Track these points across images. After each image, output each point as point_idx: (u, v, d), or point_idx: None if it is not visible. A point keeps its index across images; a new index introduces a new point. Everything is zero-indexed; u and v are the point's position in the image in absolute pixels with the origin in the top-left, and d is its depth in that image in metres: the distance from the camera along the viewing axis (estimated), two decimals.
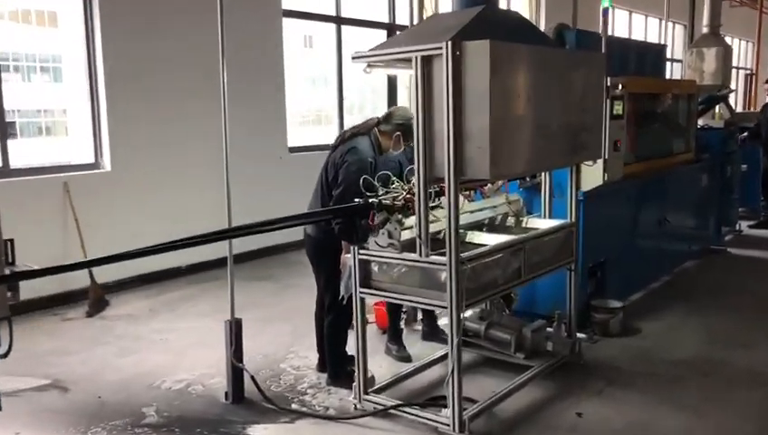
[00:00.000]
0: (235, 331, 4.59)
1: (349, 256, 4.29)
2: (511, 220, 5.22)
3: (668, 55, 10.84)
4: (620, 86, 5.51)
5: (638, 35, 17.98)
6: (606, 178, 5.50)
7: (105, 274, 7.08)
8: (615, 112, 5.50)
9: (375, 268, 4.17)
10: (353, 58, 4.07)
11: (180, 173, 8.09)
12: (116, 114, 7.50)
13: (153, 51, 7.72)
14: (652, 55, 7.71)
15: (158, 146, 7.87)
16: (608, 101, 5.40)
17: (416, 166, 3.78)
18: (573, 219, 5.01)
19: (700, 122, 9.15)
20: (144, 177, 7.77)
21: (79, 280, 6.82)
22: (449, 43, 3.55)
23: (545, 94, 4.04)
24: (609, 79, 5.39)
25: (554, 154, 4.24)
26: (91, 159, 7.58)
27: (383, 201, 4.02)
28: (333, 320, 4.82)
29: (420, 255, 3.89)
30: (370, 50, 3.97)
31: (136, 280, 7.62)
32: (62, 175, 7.20)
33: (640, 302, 6.78)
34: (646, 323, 6.11)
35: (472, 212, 4.98)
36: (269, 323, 6.33)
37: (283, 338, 5.93)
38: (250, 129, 8.07)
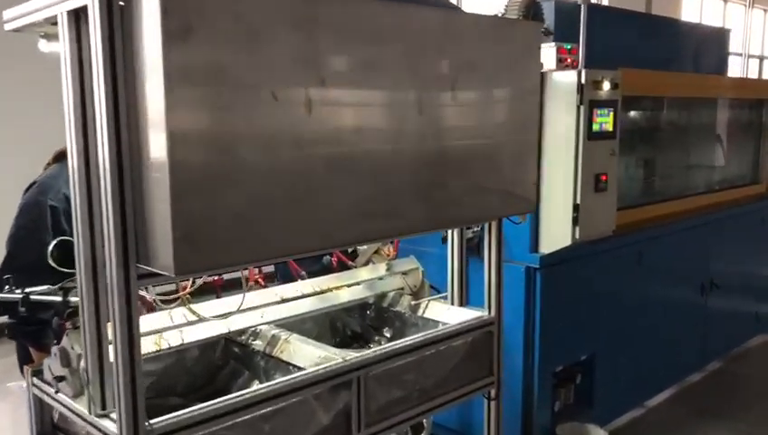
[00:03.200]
0: None
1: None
2: (404, 304, 3.20)
3: (750, 51, 8.23)
4: (607, 84, 3.36)
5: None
6: (578, 235, 3.37)
7: None
8: (596, 128, 3.36)
9: (56, 415, 2.30)
10: None
11: None
12: None
13: None
14: (705, 43, 5.35)
15: None
16: (580, 108, 3.28)
17: (75, 235, 1.88)
18: (493, 313, 2.91)
19: None
20: None
21: None
22: None
23: (355, 92, 2.03)
24: (584, 72, 3.27)
25: (388, 213, 2.17)
26: None
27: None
28: None
29: (89, 410, 1.98)
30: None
31: None
32: None
33: (656, 416, 4.53)
34: None
35: (323, 292, 2.99)
36: None
37: None
38: None
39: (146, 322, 2.34)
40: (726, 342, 5.31)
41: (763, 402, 4.70)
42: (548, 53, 3.50)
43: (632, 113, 4.18)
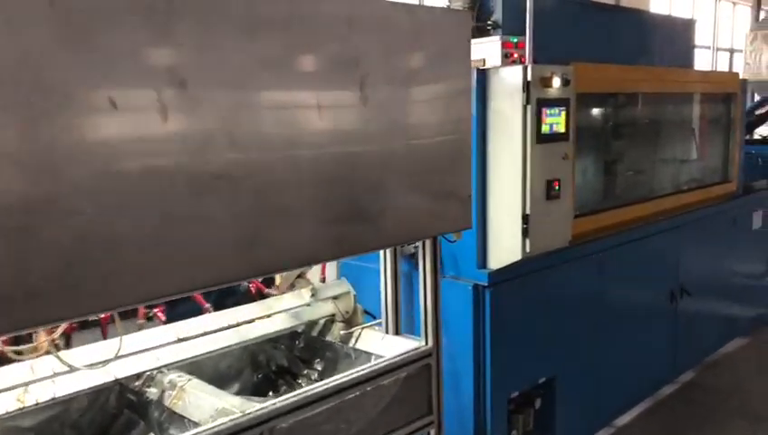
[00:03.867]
0: None
1: None
2: (336, 333, 2.83)
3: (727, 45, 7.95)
4: (558, 81, 3.03)
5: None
6: (528, 248, 3.03)
7: None
8: (546, 130, 3.02)
9: None
10: None
11: None
12: None
13: None
14: (671, 35, 5.06)
15: None
16: (527, 108, 2.94)
17: None
18: (430, 342, 2.56)
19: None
20: None
21: None
22: None
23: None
24: (530, 68, 2.93)
25: (281, 242, 1.79)
26: None
27: None
28: None
29: None
30: None
31: None
32: None
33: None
34: None
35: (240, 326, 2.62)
36: None
37: None
38: None
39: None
40: (699, 350, 5.02)
41: (735, 417, 4.41)
42: (492, 48, 3.17)
43: (590, 111, 3.85)
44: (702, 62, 14.48)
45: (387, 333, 2.71)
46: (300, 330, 2.88)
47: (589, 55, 3.57)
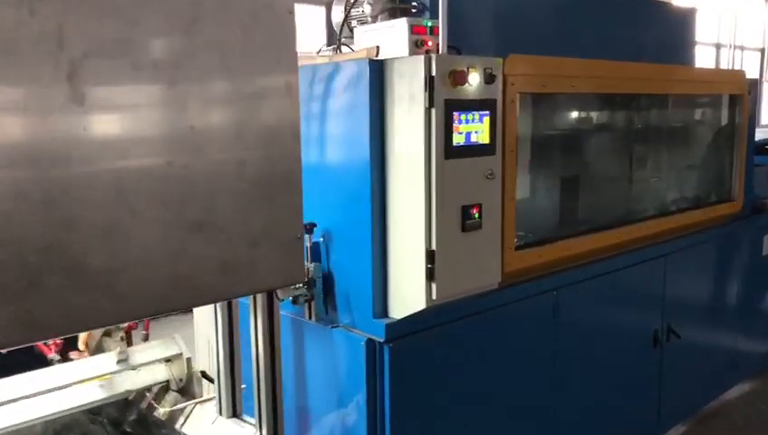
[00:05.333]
0: None
1: None
2: (167, 407, 2.16)
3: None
4: (477, 77, 2.31)
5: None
6: (435, 295, 2.32)
7: None
8: (460, 141, 2.31)
9: None
10: None
11: None
12: None
13: None
14: (665, 26, 4.27)
15: None
16: (431, 112, 2.23)
17: None
18: (265, 432, 1.86)
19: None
20: None
21: None
22: None
23: None
24: (434, 59, 2.22)
25: None
26: None
27: None
28: None
29: None
30: None
31: None
32: None
33: None
34: None
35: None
36: None
37: None
38: None
39: None
40: (692, 400, 4.23)
41: None
42: (397, 33, 2.47)
43: (544, 116, 3.12)
44: (723, 62, 13.51)
45: (220, 413, 2.02)
46: (130, 398, 2.21)
47: (561, 48, 2.87)
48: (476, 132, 2.36)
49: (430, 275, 2.29)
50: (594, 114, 3.51)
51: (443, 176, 2.26)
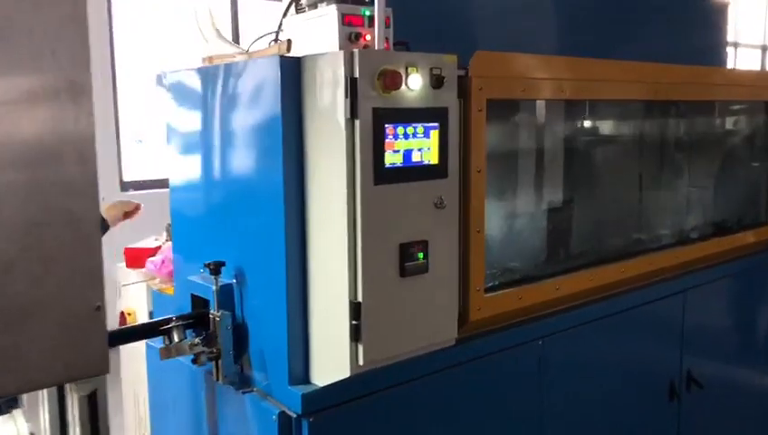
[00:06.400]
0: None
1: None
2: None
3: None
4: (419, 80, 1.79)
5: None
6: (361, 359, 1.79)
7: None
8: (394, 161, 1.78)
9: None
10: None
11: None
12: None
13: None
14: (689, 20, 3.67)
15: None
16: (354, 123, 1.72)
17: None
18: None
19: None
20: None
21: None
22: None
23: None
24: (357, 55, 1.71)
25: None
26: None
27: None
28: None
29: None
30: None
31: None
32: None
33: None
34: None
35: None
36: None
37: None
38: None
39: None
40: None
41: None
42: (325, 23, 1.96)
43: (522, 127, 2.57)
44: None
45: None
46: None
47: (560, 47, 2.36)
48: (420, 150, 1.84)
49: (356, 335, 1.78)
50: (593, 124, 2.94)
51: (370, 206, 1.75)
